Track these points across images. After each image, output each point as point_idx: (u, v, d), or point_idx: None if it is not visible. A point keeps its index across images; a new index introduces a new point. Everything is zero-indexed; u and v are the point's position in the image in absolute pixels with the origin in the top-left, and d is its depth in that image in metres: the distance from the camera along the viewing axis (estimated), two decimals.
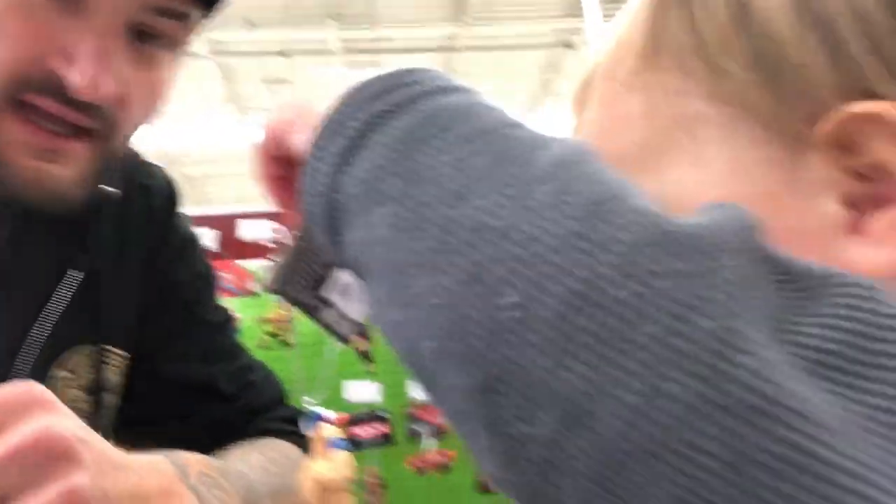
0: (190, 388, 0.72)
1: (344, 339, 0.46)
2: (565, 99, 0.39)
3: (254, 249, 2.50)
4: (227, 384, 0.74)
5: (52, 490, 0.38)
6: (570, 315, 0.19)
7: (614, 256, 0.20)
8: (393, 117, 0.26)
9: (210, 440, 0.65)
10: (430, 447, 2.37)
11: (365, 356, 2.32)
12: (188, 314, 0.75)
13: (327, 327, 0.45)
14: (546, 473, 0.20)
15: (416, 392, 2.33)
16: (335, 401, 2.09)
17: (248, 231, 2.60)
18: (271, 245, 2.74)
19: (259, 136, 0.37)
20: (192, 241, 0.78)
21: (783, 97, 0.30)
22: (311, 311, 0.43)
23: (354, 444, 1.92)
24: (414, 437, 2.37)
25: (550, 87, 5.76)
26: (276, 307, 2.22)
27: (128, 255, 0.71)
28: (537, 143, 0.24)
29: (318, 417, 0.54)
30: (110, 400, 0.68)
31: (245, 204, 3.28)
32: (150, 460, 0.50)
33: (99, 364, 0.68)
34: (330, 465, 0.52)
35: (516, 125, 0.25)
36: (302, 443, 0.77)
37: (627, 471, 0.18)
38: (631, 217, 0.20)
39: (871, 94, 0.29)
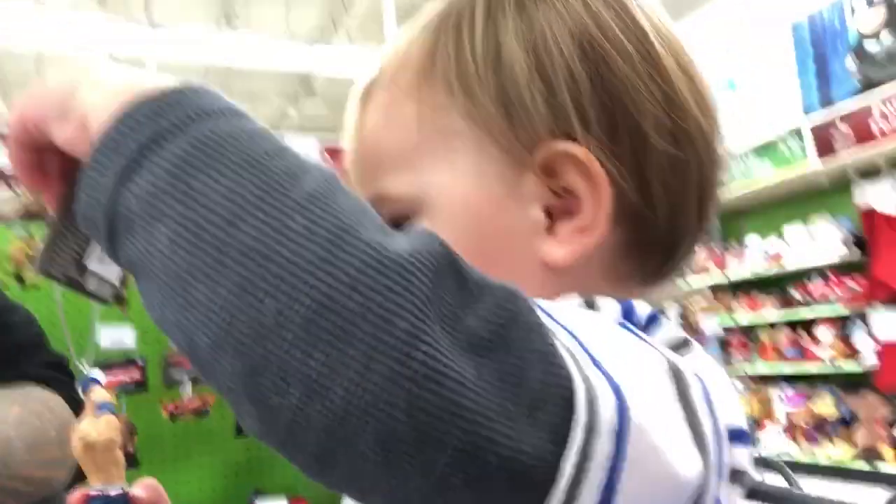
0: None
1: (105, 302, 0.47)
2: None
3: None
4: None
5: None
6: (314, 319, 0.25)
7: (346, 277, 0.26)
8: (167, 141, 0.30)
9: None
10: (187, 393, 2.33)
11: (119, 300, 2.19)
12: None
13: (90, 295, 0.45)
14: (293, 430, 0.26)
15: None
16: (84, 345, 1.97)
17: None
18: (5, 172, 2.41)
19: (8, 122, 0.37)
20: None
21: (514, 128, 0.39)
22: (75, 286, 0.43)
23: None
24: (173, 384, 2.31)
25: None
26: (15, 240, 2.00)
27: None
28: (296, 174, 0.29)
29: (93, 380, 0.56)
30: None
31: None
32: None
33: None
34: (96, 425, 0.55)
35: (277, 154, 0.30)
36: (65, 388, 0.74)
37: (348, 423, 0.25)
38: (360, 247, 0.27)
39: (573, 138, 0.38)
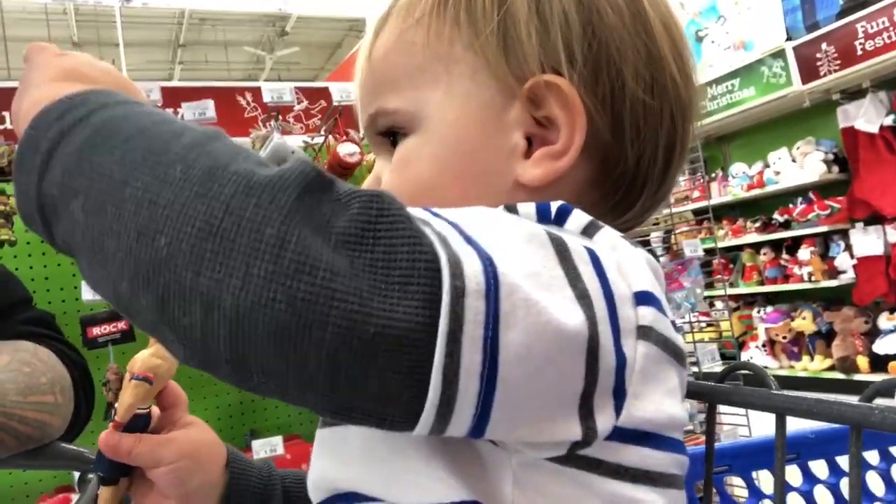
0: None
1: None
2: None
3: None
4: None
5: None
6: (197, 244, 0.30)
7: (220, 203, 0.30)
8: (74, 132, 0.35)
9: None
10: None
11: None
12: None
13: None
14: (206, 345, 0.30)
15: None
16: (71, 301, 1.99)
17: None
18: None
19: None
20: None
21: (509, 60, 0.44)
22: None
23: (92, 344, 1.86)
24: None
25: None
26: None
27: None
28: (175, 133, 0.34)
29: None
30: None
31: None
32: None
33: None
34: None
35: (164, 122, 0.35)
36: (56, 345, 0.76)
37: (243, 325, 0.29)
38: (230, 177, 0.31)
39: (558, 72, 0.43)
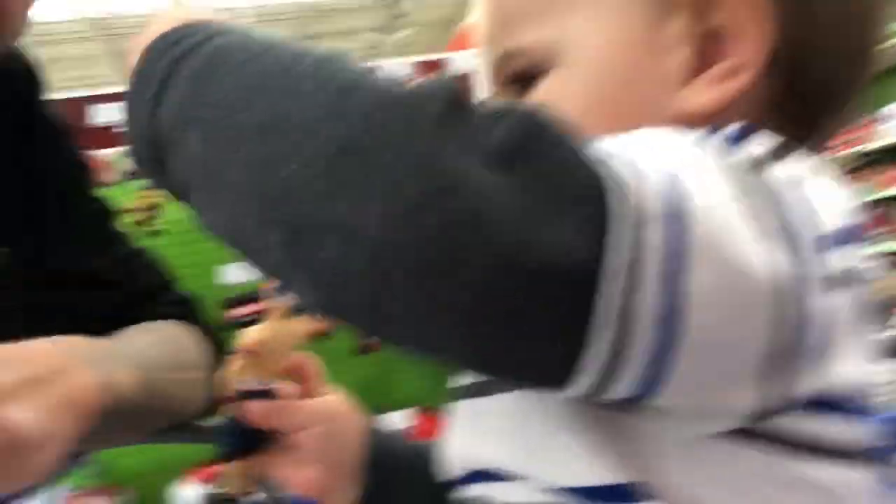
0: (73, 279, 0.72)
1: None
2: None
3: (108, 136, 2.35)
4: (110, 272, 0.74)
5: None
6: (334, 166, 0.26)
7: (357, 119, 0.27)
8: (186, 60, 0.32)
9: (98, 329, 0.65)
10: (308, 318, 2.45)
11: None
12: (64, 205, 0.73)
13: None
14: (342, 284, 0.27)
15: None
16: (209, 286, 2.11)
17: (101, 116, 2.44)
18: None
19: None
20: (61, 127, 0.74)
21: None
22: None
23: (232, 325, 1.97)
24: (297, 311, 2.44)
25: None
26: (139, 195, 2.15)
27: None
28: (298, 53, 0.31)
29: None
30: None
31: (93, 88, 3.02)
32: (29, 346, 0.49)
33: None
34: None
35: (281, 45, 0.32)
36: (194, 326, 0.77)
37: (387, 257, 0.26)
38: (367, 92, 0.28)
39: None
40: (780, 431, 0.30)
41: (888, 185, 4.64)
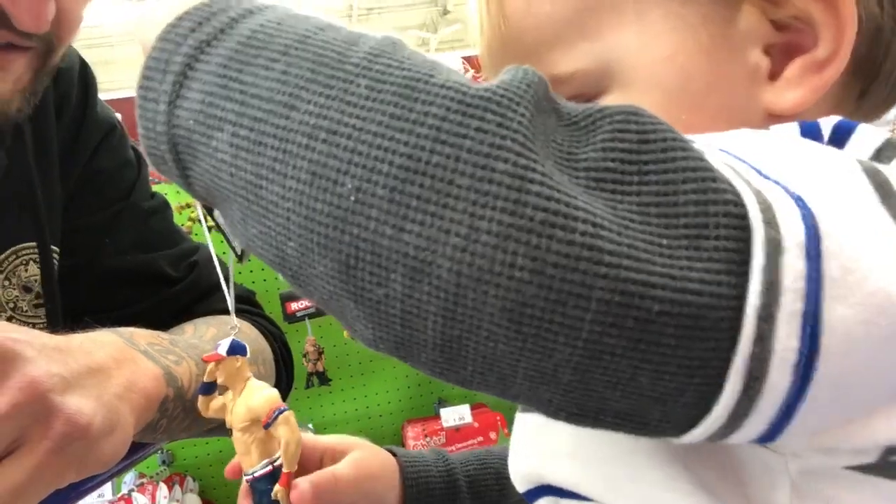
0: (134, 277, 0.72)
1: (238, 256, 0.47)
2: None
3: None
4: (171, 268, 0.74)
5: (12, 388, 0.37)
6: (398, 187, 0.22)
7: (427, 129, 0.22)
8: (212, 46, 0.27)
9: (162, 324, 0.67)
10: None
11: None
12: (120, 203, 0.73)
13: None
14: (407, 322, 0.23)
15: None
16: (270, 278, 2.14)
17: None
18: None
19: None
20: (112, 126, 0.74)
21: None
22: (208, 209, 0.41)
23: (291, 319, 1.99)
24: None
25: None
26: None
27: (45, 146, 0.68)
28: (349, 41, 0.25)
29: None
30: (52, 296, 0.68)
31: None
32: (93, 336, 0.49)
33: (39, 262, 0.67)
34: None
35: (327, 28, 0.26)
36: (258, 320, 0.78)
37: (465, 299, 0.21)
38: (437, 93, 0.23)
39: None
40: None
41: None
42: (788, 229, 0.21)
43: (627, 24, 0.34)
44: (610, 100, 0.34)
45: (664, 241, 0.21)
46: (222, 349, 0.51)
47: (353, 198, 0.22)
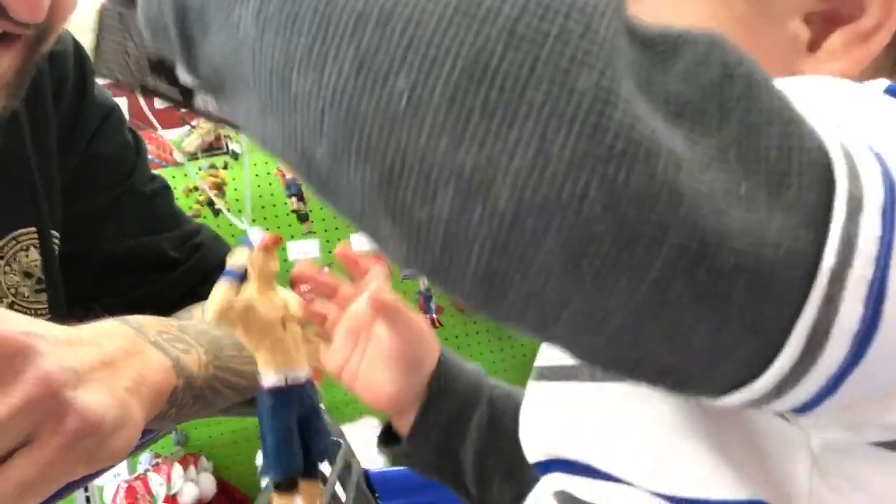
0: (137, 261, 0.72)
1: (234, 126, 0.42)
2: None
3: (171, 117, 2.40)
4: (174, 250, 0.74)
5: (25, 383, 0.37)
6: (458, 93, 0.19)
7: (498, 28, 0.19)
8: None
9: (168, 307, 0.66)
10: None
11: (301, 217, 2.35)
12: (120, 187, 0.73)
13: (204, 114, 0.41)
14: (450, 247, 0.20)
15: (358, 244, 2.40)
16: (279, 261, 2.15)
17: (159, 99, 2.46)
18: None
19: None
20: (110, 109, 0.74)
21: None
22: (145, 91, 0.40)
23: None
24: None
25: None
26: (205, 174, 2.18)
27: (42, 131, 0.67)
28: None
29: (245, 241, 0.52)
30: (54, 281, 0.68)
31: None
32: (103, 328, 0.49)
33: (39, 247, 0.66)
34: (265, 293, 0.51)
35: None
36: None
37: (523, 230, 0.19)
38: None
39: None
40: None
41: None
42: (870, 187, 0.20)
43: None
44: None
45: (744, 188, 0.20)
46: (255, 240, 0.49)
47: (405, 99, 0.19)
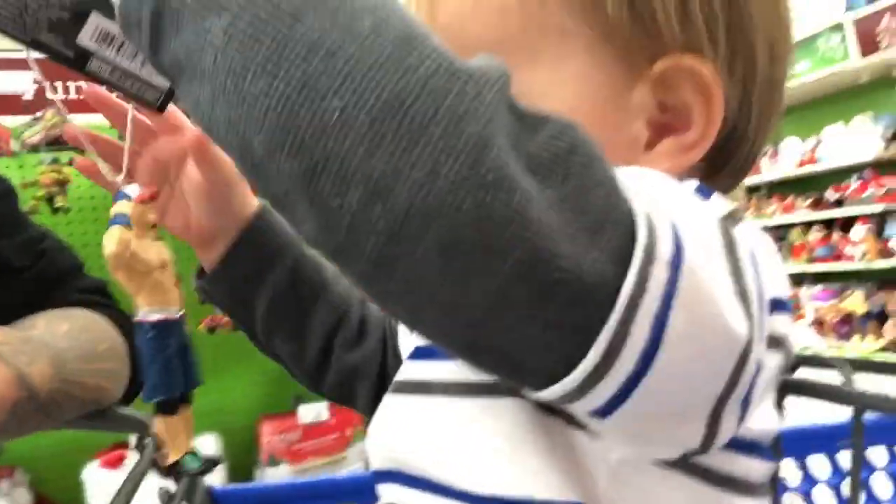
0: None
1: (137, 98, 0.46)
2: None
3: (10, 104, 2.22)
4: (16, 256, 0.71)
5: None
6: (380, 118, 0.25)
7: (415, 79, 0.25)
8: None
9: (9, 314, 0.64)
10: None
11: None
12: None
13: (96, 77, 0.44)
14: (352, 233, 0.26)
15: None
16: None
17: (2, 83, 2.29)
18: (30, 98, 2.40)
19: None
20: None
21: (639, 37, 0.37)
22: (48, 52, 0.41)
23: None
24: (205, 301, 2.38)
25: None
26: (46, 170, 2.04)
27: None
28: None
29: (122, 194, 0.52)
30: None
31: None
32: None
33: None
34: (107, 238, 0.52)
35: None
36: (111, 312, 0.75)
37: (410, 226, 0.25)
38: (432, 52, 0.26)
39: (700, 54, 0.37)
40: (708, 465, 0.33)
41: (783, 213, 4.99)
42: (665, 243, 0.27)
43: (542, 66, 0.38)
44: None
45: (572, 228, 0.26)
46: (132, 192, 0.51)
47: (336, 115, 0.25)
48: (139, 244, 0.45)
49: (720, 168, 0.41)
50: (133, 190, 0.53)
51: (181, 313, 0.47)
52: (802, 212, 4.84)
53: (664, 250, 0.27)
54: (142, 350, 0.51)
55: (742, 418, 0.31)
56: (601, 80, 0.38)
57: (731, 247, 0.30)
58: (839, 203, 4.62)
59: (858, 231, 4.50)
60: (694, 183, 0.35)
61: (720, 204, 0.34)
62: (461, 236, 0.25)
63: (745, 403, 0.31)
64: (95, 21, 0.42)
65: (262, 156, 0.26)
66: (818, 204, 4.78)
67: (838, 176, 4.64)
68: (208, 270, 0.60)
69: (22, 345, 0.56)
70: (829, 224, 4.75)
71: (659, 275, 0.26)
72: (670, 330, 0.27)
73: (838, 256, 4.64)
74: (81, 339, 0.67)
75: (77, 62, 0.43)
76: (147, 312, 0.44)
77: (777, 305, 0.33)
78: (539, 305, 0.26)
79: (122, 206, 0.45)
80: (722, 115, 0.38)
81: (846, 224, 4.63)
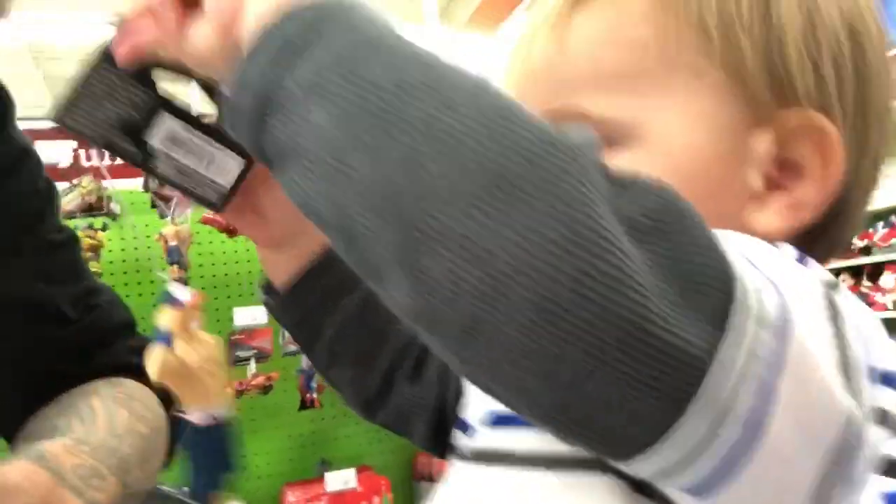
0: (30, 309, 0.69)
1: (204, 202, 0.46)
2: None
3: (53, 172, 2.27)
4: (69, 307, 0.71)
5: None
6: (482, 184, 0.25)
7: (518, 149, 0.26)
8: (330, 35, 0.30)
9: (59, 365, 0.64)
10: (252, 370, 2.40)
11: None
12: (25, 232, 0.70)
13: (159, 177, 0.44)
14: (446, 298, 0.26)
15: (239, 319, 2.33)
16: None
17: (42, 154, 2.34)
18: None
19: None
20: (26, 153, 0.72)
21: (771, 87, 0.37)
22: (109, 147, 0.42)
23: None
24: (237, 361, 2.38)
25: None
26: (82, 235, 2.08)
27: None
28: (455, 69, 0.29)
29: (169, 297, 0.51)
30: None
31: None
32: (22, 473, 0.48)
33: None
34: (192, 347, 0.52)
35: (430, 54, 0.30)
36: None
37: (509, 289, 0.25)
38: (527, 125, 0.27)
39: (828, 112, 0.37)
40: None
41: None
42: (771, 308, 0.26)
43: (674, 99, 0.38)
44: (626, 156, 0.38)
45: (671, 292, 0.26)
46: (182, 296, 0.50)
47: (437, 184, 0.26)
48: (183, 349, 0.44)
49: (814, 241, 0.40)
50: (179, 292, 0.53)
51: (229, 412, 0.46)
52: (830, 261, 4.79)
53: (770, 314, 0.26)
54: (187, 445, 0.51)
55: (847, 498, 0.29)
56: (724, 122, 0.37)
57: (835, 316, 0.29)
58: (867, 250, 4.57)
59: (888, 279, 4.42)
60: (792, 249, 0.34)
61: (821, 272, 0.33)
62: (561, 298, 0.25)
63: (847, 482, 0.29)
64: (164, 121, 0.44)
65: (362, 227, 0.27)
66: (845, 252, 4.73)
67: (864, 222, 4.60)
68: (279, 285, 0.57)
69: (93, 463, 0.56)
70: (856, 272, 4.68)
71: (765, 340, 0.26)
72: (779, 398, 0.26)
73: (869, 305, 4.56)
74: (140, 434, 0.67)
75: (144, 161, 0.44)
76: (193, 411, 0.44)
77: (888, 380, 0.31)
78: (634, 367, 0.25)
79: (166, 317, 0.44)
80: (838, 178, 0.37)
81: (873, 272, 4.56)
